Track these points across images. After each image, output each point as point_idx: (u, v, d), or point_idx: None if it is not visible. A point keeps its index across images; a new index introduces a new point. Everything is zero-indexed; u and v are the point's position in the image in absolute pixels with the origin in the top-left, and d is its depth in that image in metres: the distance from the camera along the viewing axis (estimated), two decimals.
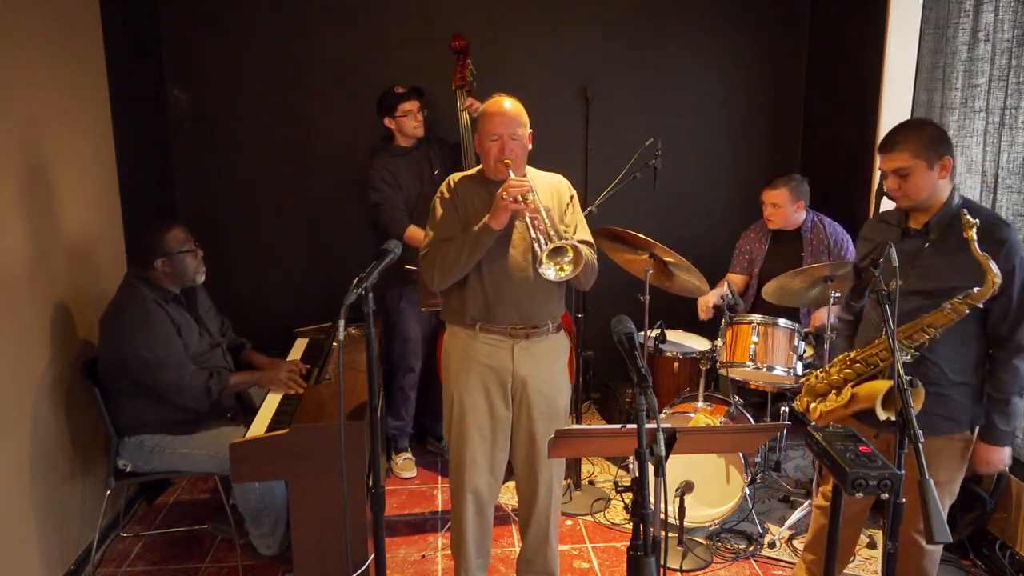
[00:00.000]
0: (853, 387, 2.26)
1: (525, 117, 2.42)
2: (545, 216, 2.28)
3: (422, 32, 4.08)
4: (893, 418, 2.11)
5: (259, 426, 2.55)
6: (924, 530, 1.76)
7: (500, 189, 2.29)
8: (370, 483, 2.11)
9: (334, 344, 3.13)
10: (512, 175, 2.33)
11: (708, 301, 3.64)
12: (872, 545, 3.10)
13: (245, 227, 4.20)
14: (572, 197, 2.55)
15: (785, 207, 3.56)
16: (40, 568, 2.68)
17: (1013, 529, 2.90)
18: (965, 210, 2.02)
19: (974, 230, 1.98)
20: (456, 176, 2.54)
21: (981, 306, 2.08)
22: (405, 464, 3.79)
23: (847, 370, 2.30)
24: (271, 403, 2.74)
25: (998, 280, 2.01)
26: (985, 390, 2.23)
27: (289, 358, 3.18)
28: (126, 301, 2.76)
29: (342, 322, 1.88)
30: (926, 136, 2.17)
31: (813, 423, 2.37)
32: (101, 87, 3.33)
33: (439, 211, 2.48)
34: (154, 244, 2.79)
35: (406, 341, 3.69)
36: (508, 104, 2.40)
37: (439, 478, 3.74)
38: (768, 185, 3.62)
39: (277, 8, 4.02)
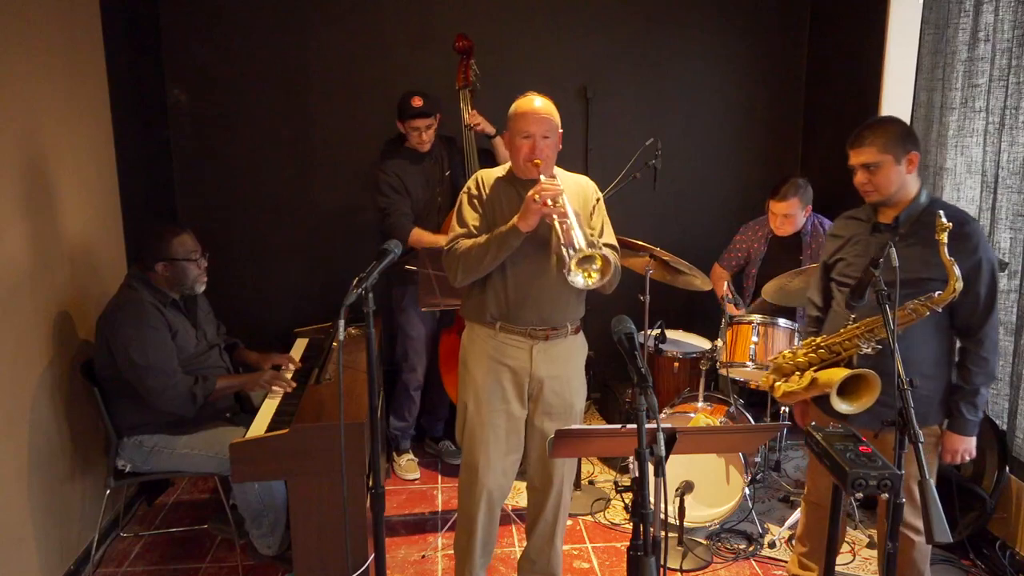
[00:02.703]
0: (815, 371, 2.33)
1: (557, 117, 2.39)
2: (575, 221, 2.23)
3: (423, 32, 4.09)
4: (849, 408, 2.20)
5: (259, 426, 2.55)
6: (924, 530, 1.77)
7: (531, 191, 2.25)
8: (370, 483, 2.11)
9: (334, 344, 3.13)
10: (543, 177, 2.30)
11: (723, 286, 3.65)
12: (872, 545, 3.10)
13: (245, 227, 4.20)
14: (598, 200, 2.52)
15: (796, 216, 3.55)
16: (40, 568, 2.68)
17: (1013, 529, 2.90)
18: (941, 212, 2.05)
19: (946, 233, 2.03)
20: (484, 173, 2.51)
21: (940, 310, 2.12)
22: (408, 465, 3.79)
23: (811, 354, 2.36)
24: (271, 403, 2.74)
25: (959, 286, 2.07)
26: (954, 381, 2.29)
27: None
28: (123, 302, 2.76)
29: (342, 322, 1.87)
30: (893, 132, 2.25)
31: (777, 399, 2.48)
32: (101, 87, 3.33)
33: (466, 207, 2.46)
34: (159, 246, 2.78)
35: (409, 340, 3.68)
36: (540, 103, 2.37)
37: (439, 478, 3.74)
38: (776, 196, 3.55)
39: (277, 8, 4.02)
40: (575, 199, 2.43)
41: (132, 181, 3.52)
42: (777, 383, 2.46)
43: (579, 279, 2.20)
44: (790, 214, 3.56)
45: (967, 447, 2.30)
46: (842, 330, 2.29)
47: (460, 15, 4.08)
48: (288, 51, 4.05)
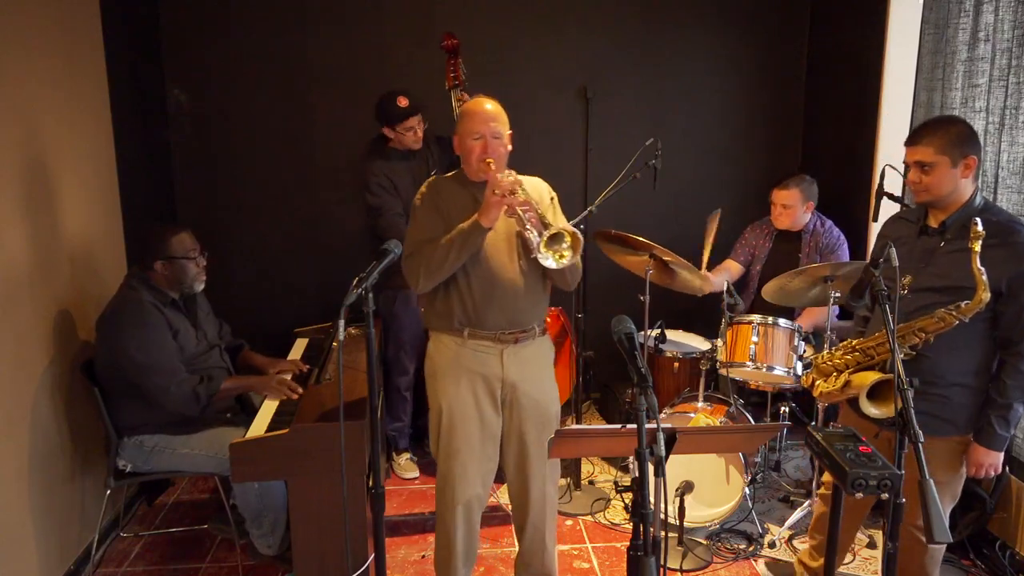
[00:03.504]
0: (850, 374, 2.30)
1: (506, 118, 2.40)
2: (537, 207, 2.25)
3: (423, 32, 4.08)
4: (878, 412, 2.16)
5: (259, 426, 2.55)
6: (924, 530, 1.76)
7: (489, 186, 2.26)
8: (370, 483, 2.11)
9: (334, 344, 3.13)
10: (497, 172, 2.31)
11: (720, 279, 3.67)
12: (872, 545, 3.10)
13: (245, 227, 4.20)
14: (553, 199, 2.52)
15: (795, 207, 3.57)
16: (40, 568, 2.68)
17: (1013, 529, 2.90)
18: (977, 219, 1.99)
19: (979, 243, 1.97)
20: (435, 179, 2.51)
21: (967, 319, 2.08)
22: (407, 464, 3.79)
23: (847, 357, 2.34)
24: (271, 403, 2.74)
25: (986, 297, 2.01)
26: (988, 393, 2.22)
27: (289, 358, 3.18)
28: (123, 302, 2.76)
29: (342, 322, 1.88)
30: (953, 133, 2.18)
31: (816, 397, 2.44)
32: (101, 87, 3.33)
33: (421, 213, 2.43)
34: (157, 245, 2.79)
35: (400, 343, 3.68)
36: (489, 105, 2.37)
37: None
38: (779, 185, 3.61)
39: (277, 8, 4.02)
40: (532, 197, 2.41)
41: (132, 181, 3.52)
42: (817, 382, 2.44)
43: (550, 261, 2.19)
44: (789, 204, 3.57)
45: (993, 462, 2.23)
46: (876, 334, 2.26)
47: (460, 15, 4.08)
48: (288, 51, 4.06)
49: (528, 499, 2.54)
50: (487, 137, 2.33)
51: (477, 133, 2.34)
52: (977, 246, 1.97)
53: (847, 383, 2.29)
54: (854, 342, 2.35)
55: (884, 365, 2.25)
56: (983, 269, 2.00)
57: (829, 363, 2.40)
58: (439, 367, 2.46)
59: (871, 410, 2.18)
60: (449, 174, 2.53)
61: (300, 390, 2.80)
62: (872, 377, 2.18)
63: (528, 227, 2.23)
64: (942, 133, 2.18)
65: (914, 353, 2.19)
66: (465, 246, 2.30)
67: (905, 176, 2.31)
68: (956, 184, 2.19)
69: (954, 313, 2.08)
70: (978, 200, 2.23)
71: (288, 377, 2.89)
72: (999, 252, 2.11)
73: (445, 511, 2.50)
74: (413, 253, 2.37)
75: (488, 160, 2.33)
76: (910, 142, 2.24)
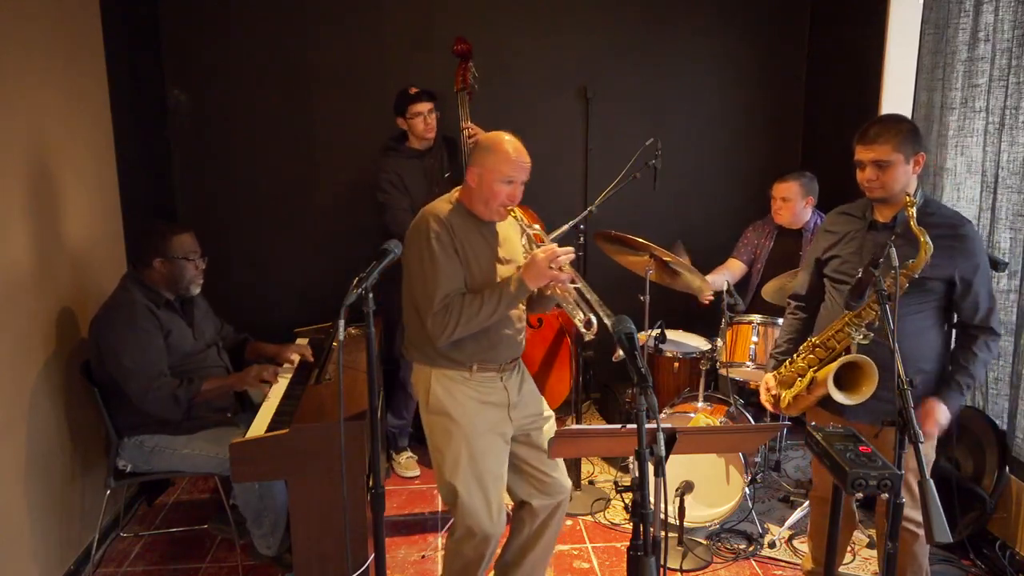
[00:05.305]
0: (814, 372, 2.33)
1: None
2: (584, 283, 2.19)
3: (423, 33, 4.09)
4: (849, 400, 2.20)
5: (259, 426, 2.55)
6: (924, 530, 1.77)
7: (544, 254, 2.16)
8: (370, 483, 2.11)
9: (334, 344, 3.13)
10: (545, 238, 2.29)
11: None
12: (872, 545, 3.10)
13: (245, 227, 4.20)
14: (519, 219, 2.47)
15: (795, 201, 3.57)
16: (40, 568, 2.68)
17: (1013, 529, 2.90)
18: (907, 192, 2.18)
19: (915, 208, 2.11)
20: (444, 217, 2.27)
21: (916, 276, 2.15)
22: (408, 463, 3.79)
23: (810, 356, 2.37)
24: (271, 403, 2.74)
25: (930, 249, 2.11)
26: (956, 358, 2.32)
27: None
28: (116, 304, 2.76)
29: (342, 322, 1.87)
30: (906, 131, 2.26)
31: (783, 411, 2.47)
32: (101, 87, 3.33)
33: (441, 260, 2.23)
34: (158, 243, 2.79)
35: None
36: (522, 147, 2.27)
37: None
38: (779, 179, 3.63)
39: (277, 8, 4.02)
40: (511, 226, 2.40)
41: (132, 181, 3.53)
42: (784, 394, 2.45)
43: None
44: (788, 197, 3.57)
45: (947, 421, 2.29)
46: (832, 323, 2.30)
47: (460, 15, 4.08)
48: (288, 51, 4.06)
49: (551, 517, 2.48)
50: (517, 184, 2.25)
51: (509, 177, 2.22)
52: (912, 211, 2.11)
53: (813, 380, 2.32)
54: (813, 339, 2.38)
55: (844, 353, 2.29)
56: (923, 229, 2.09)
57: (792, 371, 2.43)
58: (450, 405, 2.33)
59: (839, 396, 2.21)
60: (450, 206, 2.32)
61: (275, 379, 2.83)
62: (834, 365, 2.22)
63: (574, 304, 2.21)
64: (895, 131, 2.25)
65: (872, 334, 2.23)
66: (511, 305, 2.25)
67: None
68: (908, 180, 2.28)
69: (904, 273, 2.13)
70: (920, 196, 2.30)
71: (289, 370, 2.89)
72: (949, 246, 2.20)
73: (471, 551, 2.35)
74: (445, 308, 2.21)
75: (510, 207, 2.27)
76: (865, 141, 2.29)
